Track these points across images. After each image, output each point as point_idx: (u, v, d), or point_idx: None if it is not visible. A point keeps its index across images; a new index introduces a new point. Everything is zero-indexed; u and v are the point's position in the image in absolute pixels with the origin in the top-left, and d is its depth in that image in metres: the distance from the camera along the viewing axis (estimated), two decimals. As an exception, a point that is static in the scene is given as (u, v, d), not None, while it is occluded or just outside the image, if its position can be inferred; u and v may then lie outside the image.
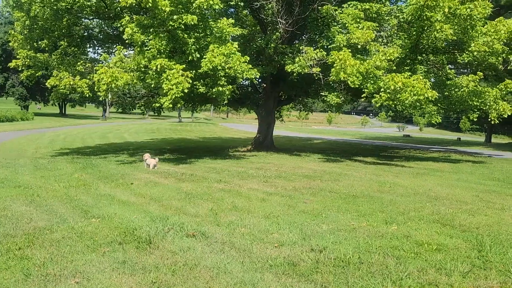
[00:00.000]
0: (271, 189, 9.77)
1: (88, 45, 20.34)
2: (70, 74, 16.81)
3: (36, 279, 4.36)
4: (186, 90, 13.67)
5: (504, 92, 17.34)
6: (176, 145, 25.94)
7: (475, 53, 15.86)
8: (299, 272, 4.59)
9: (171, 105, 13.69)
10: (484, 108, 17.51)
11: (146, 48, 14.56)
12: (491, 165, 17.13)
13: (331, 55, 14.92)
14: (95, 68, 15.43)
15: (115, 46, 21.35)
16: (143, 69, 14.58)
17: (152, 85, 14.51)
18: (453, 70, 19.20)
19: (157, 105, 15.09)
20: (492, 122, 17.48)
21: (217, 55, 14.29)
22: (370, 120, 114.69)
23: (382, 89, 14.34)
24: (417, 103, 14.35)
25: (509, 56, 18.28)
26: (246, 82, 21.15)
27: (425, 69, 18.46)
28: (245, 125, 64.35)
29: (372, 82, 15.29)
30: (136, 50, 14.75)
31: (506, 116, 17.30)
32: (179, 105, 14.20)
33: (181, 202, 8.29)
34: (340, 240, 5.72)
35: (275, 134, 23.95)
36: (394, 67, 15.41)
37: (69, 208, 7.66)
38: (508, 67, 19.27)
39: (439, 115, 19.73)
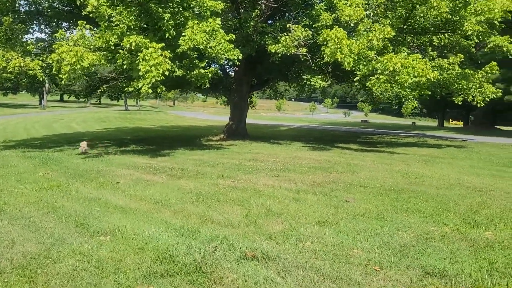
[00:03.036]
0: (291, 185, 8.37)
1: (35, 22, 17.68)
2: (19, 55, 14.28)
3: None
4: (167, 73, 11.90)
5: (489, 75, 16.94)
6: (135, 135, 23.72)
7: (469, 33, 15.17)
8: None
9: (150, 90, 11.80)
10: (468, 92, 17.06)
11: (113, 24, 12.50)
12: (478, 150, 16.75)
13: (323, 34, 13.63)
14: (53, 46, 13.10)
15: (66, 23, 18.87)
16: (113, 48, 12.52)
17: (125, 66, 12.50)
18: (435, 52, 18.59)
19: (130, 89, 13.08)
20: (478, 105, 17.08)
21: (198, 32, 12.56)
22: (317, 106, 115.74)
23: (379, 71, 13.27)
24: (417, 85, 13.45)
25: (485, 38, 17.86)
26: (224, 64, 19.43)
27: (408, 51, 17.73)
28: (196, 113, 62.26)
29: (364, 63, 14.23)
30: (103, 26, 12.62)
31: (491, 99, 17.02)
32: (159, 90, 12.32)
33: (198, 206, 6.69)
34: (445, 256, 4.45)
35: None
36: (391, 47, 14.40)
37: (57, 220, 5.84)
38: (485, 49, 18.89)
39: (415, 99, 19.13)
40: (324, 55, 13.51)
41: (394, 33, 13.61)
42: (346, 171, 9.98)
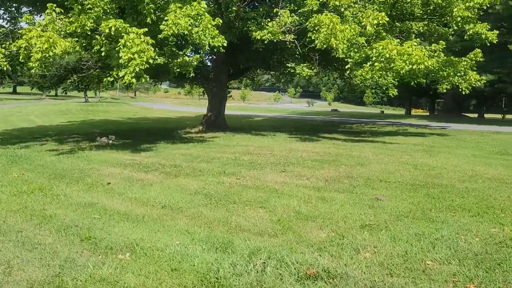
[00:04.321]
0: (304, 181, 7.66)
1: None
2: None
3: None
4: (151, 61, 10.89)
5: (473, 62, 16.78)
6: (104, 128, 22.27)
7: (458, 19, 14.87)
8: None
9: (134, 80, 10.72)
10: (453, 80, 16.85)
11: (86, 8, 11.28)
12: (463, 138, 16.64)
13: (314, 19, 12.90)
14: (19, 32, 11.71)
15: (28, 8, 17.24)
16: (88, 33, 11.31)
17: (103, 54, 11.34)
18: (418, 39, 18.28)
19: (109, 79, 11.93)
20: (463, 93, 16.91)
21: (182, 17, 11.59)
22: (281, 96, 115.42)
23: (373, 58, 12.72)
24: (413, 73, 13.01)
25: (464, 26, 17.67)
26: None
27: (392, 38, 17.33)
28: (161, 104, 60.51)
29: (355, 50, 13.66)
30: (77, 9, 11.37)
31: (476, 85, 16.91)
32: (143, 80, 11.25)
33: (214, 210, 5.85)
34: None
35: (200, 112, 21.18)
36: (384, 33, 13.88)
37: (55, 234, 4.88)
38: (465, 37, 18.74)
39: (394, 88, 18.82)
40: (316, 42, 12.79)
41: (387, 19, 13.06)
42: (353, 164, 9.36)
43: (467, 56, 16.80)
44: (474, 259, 4.01)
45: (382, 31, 13.72)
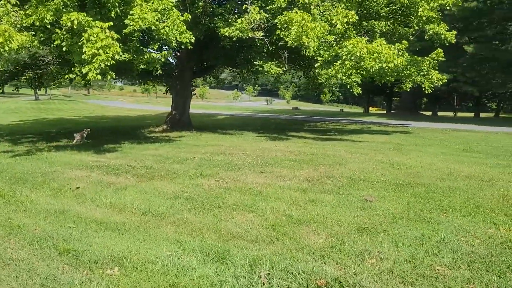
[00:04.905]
0: (286, 182, 7.43)
1: None
2: None
3: None
4: (117, 57, 10.34)
5: (435, 62, 17.18)
6: (61, 127, 21.18)
7: (424, 19, 15.15)
8: None
9: (99, 77, 10.11)
10: (415, 79, 17.19)
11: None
12: (426, 135, 17.01)
13: (284, 16, 12.71)
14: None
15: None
16: (48, 27, 10.58)
17: (64, 49, 10.64)
18: (382, 39, 18.53)
19: (71, 76, 11.19)
20: (426, 92, 17.28)
21: (148, 11, 11.11)
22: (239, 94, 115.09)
23: (344, 56, 12.70)
24: (383, 71, 13.09)
25: (425, 26, 18.09)
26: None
27: (358, 36, 17.47)
28: (116, 102, 58.64)
29: (325, 48, 13.62)
30: (34, 1, 10.60)
31: (439, 84, 17.32)
32: (109, 77, 10.62)
33: (200, 215, 5.51)
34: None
35: (159, 111, 20.50)
36: (354, 32, 13.89)
37: (28, 246, 4.39)
38: (425, 37, 19.16)
39: (359, 86, 19.01)
40: (287, 39, 12.60)
41: (357, 17, 13.08)
42: (331, 163, 9.24)
43: (429, 55, 17.18)
44: (482, 262, 3.91)
45: (352, 29, 13.72)
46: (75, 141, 13.62)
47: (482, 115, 47.15)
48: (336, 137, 15.65)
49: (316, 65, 13.74)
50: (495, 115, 48.12)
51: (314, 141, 14.19)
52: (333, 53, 13.15)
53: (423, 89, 17.17)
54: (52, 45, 11.29)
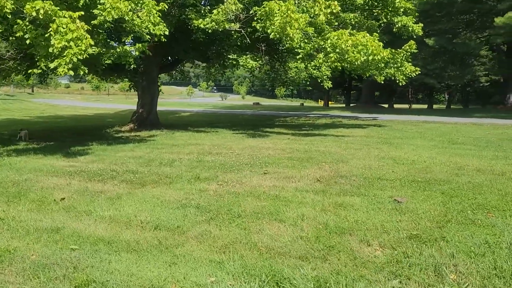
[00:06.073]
0: (297, 183, 6.83)
1: None
2: None
3: None
4: (90, 50, 9.36)
5: (408, 54, 17.14)
6: (13, 129, 19.44)
7: (401, 11, 15.00)
8: None
9: (71, 72, 9.07)
10: (389, 71, 17.08)
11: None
12: (400, 128, 17.00)
13: (265, 6, 12.07)
14: None
15: None
16: (9, 17, 9.38)
17: (28, 42, 9.48)
18: (355, 31, 18.30)
19: (36, 71, 10.02)
20: (400, 84, 17.22)
21: (121, 0, 10.20)
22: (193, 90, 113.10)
23: (328, 49, 12.27)
24: (368, 64, 12.77)
25: (393, 18, 18.07)
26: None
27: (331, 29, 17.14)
28: (67, 100, 55.77)
29: (306, 41, 13.14)
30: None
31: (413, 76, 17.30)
32: (81, 72, 9.57)
33: (222, 228, 4.80)
34: None
35: (115, 108, 19.17)
36: (336, 23, 13.47)
37: (34, 281, 3.54)
38: (394, 30, 19.12)
39: (330, 80, 18.73)
40: (269, 31, 11.98)
41: (339, 8, 12.66)
42: (331, 161, 8.73)
43: (403, 48, 17.12)
44: None
45: (334, 20, 13.31)
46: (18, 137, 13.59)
47: (433, 106, 48.74)
48: (315, 132, 15.24)
49: (298, 57, 13.22)
50: (447, 106, 49.95)
51: (297, 137, 13.68)
52: (316, 46, 12.69)
53: (398, 81, 17.11)
54: (11, 38, 10.06)
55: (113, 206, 5.74)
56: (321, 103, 69.44)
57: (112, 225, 4.99)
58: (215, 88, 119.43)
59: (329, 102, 69.19)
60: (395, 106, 48.31)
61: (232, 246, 4.25)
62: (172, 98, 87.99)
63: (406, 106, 51.58)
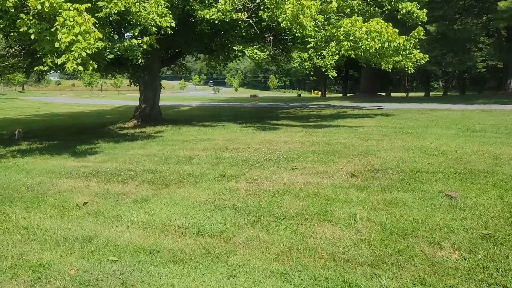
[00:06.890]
0: (332, 179, 6.44)
1: None
2: None
3: None
4: (99, 44, 8.87)
5: (416, 40, 16.75)
6: (11, 128, 18.87)
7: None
8: None
9: (80, 68, 8.57)
10: (396, 59, 16.69)
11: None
12: (409, 116, 16.62)
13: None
14: None
15: None
16: (12, 10, 8.85)
17: (32, 37, 8.94)
18: (379, 18, 17.86)
19: (43, 68, 9.49)
20: (409, 72, 16.85)
21: (127, -9, 9.72)
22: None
23: (341, 37, 11.84)
24: (382, 51, 12.35)
25: (397, 4, 17.66)
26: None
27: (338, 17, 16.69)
28: (59, 98, 54.96)
29: (316, 29, 12.69)
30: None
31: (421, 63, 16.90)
32: (90, 68, 9.07)
33: (270, 232, 4.41)
34: None
35: (112, 105, 18.73)
36: (348, 10, 13.03)
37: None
38: (398, 17, 18.70)
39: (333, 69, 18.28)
40: (280, 20, 11.52)
41: (351, -8, 12.21)
42: (358, 153, 8.34)
43: (410, 34, 16.72)
44: None
45: (345, 7, 12.87)
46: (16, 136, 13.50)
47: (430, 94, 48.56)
48: (325, 124, 14.86)
49: (308, 46, 12.78)
50: (443, 93, 49.80)
51: (310, 129, 13.29)
52: (328, 34, 12.27)
53: (406, 69, 16.74)
54: (13, 34, 9.51)
55: (143, 210, 5.32)
56: (315, 94, 69.08)
57: (147, 232, 4.57)
58: (211, 82, 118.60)
59: (317, 92, 68.85)
60: (392, 94, 48.09)
61: (289, 253, 3.85)
62: (165, 93, 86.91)
63: (403, 94, 51.37)
